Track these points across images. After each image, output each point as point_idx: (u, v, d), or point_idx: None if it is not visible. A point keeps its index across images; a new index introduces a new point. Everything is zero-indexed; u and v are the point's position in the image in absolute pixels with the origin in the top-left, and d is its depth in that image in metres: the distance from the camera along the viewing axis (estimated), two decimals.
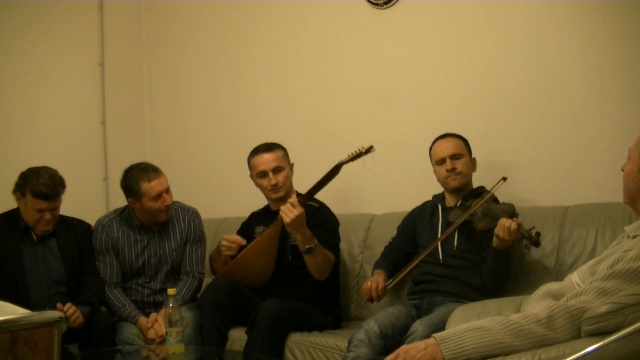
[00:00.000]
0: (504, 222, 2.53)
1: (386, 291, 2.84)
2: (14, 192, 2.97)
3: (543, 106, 3.06)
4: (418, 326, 2.40)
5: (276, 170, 3.08)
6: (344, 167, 2.82)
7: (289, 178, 3.12)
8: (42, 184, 2.87)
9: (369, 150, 2.81)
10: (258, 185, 3.16)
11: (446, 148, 2.89)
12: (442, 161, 2.89)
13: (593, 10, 2.94)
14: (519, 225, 2.52)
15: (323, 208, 3.15)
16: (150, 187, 3.04)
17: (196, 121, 4.14)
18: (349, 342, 2.51)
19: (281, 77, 3.81)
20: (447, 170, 2.86)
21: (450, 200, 2.93)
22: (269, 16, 3.84)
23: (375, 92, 3.50)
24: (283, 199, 3.09)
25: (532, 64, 3.08)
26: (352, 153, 2.83)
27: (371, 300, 2.83)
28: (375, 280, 2.85)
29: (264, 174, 3.09)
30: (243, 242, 3.06)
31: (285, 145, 3.20)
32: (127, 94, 4.22)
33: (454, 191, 2.89)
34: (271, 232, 3.01)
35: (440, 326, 2.27)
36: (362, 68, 3.54)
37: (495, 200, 2.83)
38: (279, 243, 3.04)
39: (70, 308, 2.78)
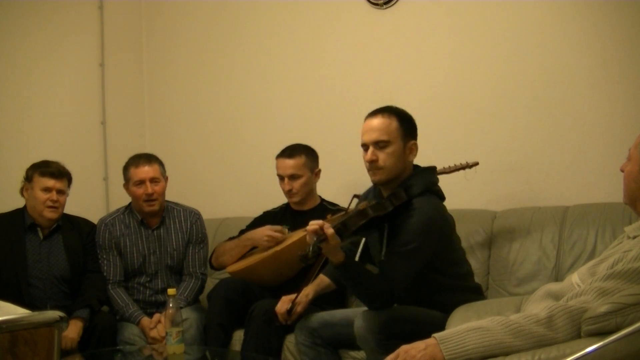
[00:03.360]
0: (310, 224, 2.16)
1: (294, 311, 2.57)
2: (21, 187, 3.05)
3: (543, 106, 3.06)
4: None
5: (292, 177, 3.08)
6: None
7: (307, 185, 3.10)
8: (49, 165, 3.06)
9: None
10: (280, 184, 3.17)
11: (370, 130, 2.39)
12: (365, 147, 2.41)
13: (594, 11, 2.95)
14: (317, 231, 2.12)
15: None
16: (135, 172, 3.15)
17: (196, 121, 4.14)
18: None
19: (281, 77, 3.81)
20: (368, 161, 2.40)
21: (384, 192, 2.48)
22: (268, 16, 3.84)
23: (375, 92, 3.48)
24: (298, 204, 3.14)
25: (532, 64, 3.08)
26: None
27: (281, 324, 2.62)
28: (284, 301, 2.61)
29: (281, 178, 3.12)
30: (287, 233, 3.02)
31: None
32: (127, 94, 4.22)
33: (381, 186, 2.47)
34: None
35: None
36: (362, 68, 3.54)
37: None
38: None
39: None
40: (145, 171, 3.14)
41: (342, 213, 2.46)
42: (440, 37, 3.31)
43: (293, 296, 2.61)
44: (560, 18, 3.03)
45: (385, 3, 3.43)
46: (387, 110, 2.43)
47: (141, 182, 3.13)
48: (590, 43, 2.95)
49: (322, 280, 2.69)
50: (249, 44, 3.91)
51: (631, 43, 2.86)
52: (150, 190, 3.13)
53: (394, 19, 3.43)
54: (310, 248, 2.10)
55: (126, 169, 3.20)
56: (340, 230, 2.17)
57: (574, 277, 1.88)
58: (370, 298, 2.29)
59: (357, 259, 2.56)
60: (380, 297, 2.27)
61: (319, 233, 2.13)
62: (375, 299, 2.28)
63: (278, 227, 3.04)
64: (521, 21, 3.11)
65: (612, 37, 2.91)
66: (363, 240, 2.56)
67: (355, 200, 2.55)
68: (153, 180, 3.15)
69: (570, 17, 3.01)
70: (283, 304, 2.63)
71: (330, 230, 2.13)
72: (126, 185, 3.22)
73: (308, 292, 2.64)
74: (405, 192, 2.33)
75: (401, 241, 2.31)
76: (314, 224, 2.15)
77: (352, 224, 2.21)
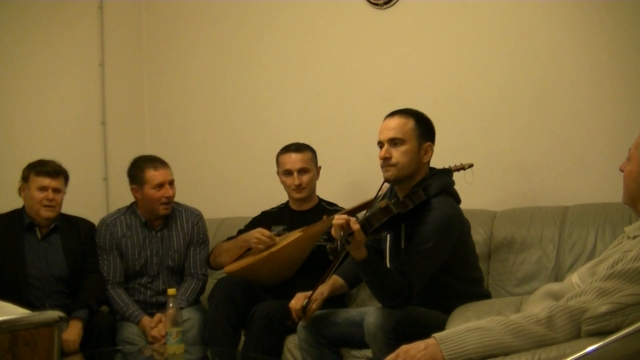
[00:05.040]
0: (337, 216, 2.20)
1: (309, 308, 2.53)
2: (19, 187, 3.05)
3: (542, 106, 3.07)
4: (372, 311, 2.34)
5: (302, 171, 3.10)
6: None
7: (313, 180, 3.14)
8: (44, 164, 3.05)
9: None
10: (283, 182, 3.17)
11: (387, 129, 2.45)
12: (380, 145, 2.47)
13: (592, 10, 2.95)
14: (343, 225, 2.14)
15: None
16: (155, 175, 3.11)
17: (196, 121, 4.14)
18: None
19: (281, 77, 3.81)
20: (381, 158, 2.44)
21: (399, 193, 2.53)
22: (269, 16, 3.84)
23: (376, 92, 3.49)
24: (305, 200, 3.15)
25: (531, 64, 3.08)
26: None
27: (294, 322, 2.59)
28: (298, 297, 2.58)
29: (289, 173, 3.12)
30: (276, 240, 3.01)
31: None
32: (127, 94, 4.22)
33: (394, 184, 2.51)
34: (313, 231, 2.93)
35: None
36: (362, 68, 3.54)
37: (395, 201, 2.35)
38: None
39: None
40: (165, 174, 3.13)
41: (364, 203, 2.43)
42: (440, 37, 3.31)
43: (308, 293, 2.57)
44: (558, 18, 3.03)
45: (385, 3, 3.43)
46: (405, 111, 2.50)
47: (161, 185, 3.11)
48: (590, 43, 2.96)
49: (337, 280, 2.68)
50: (248, 44, 3.91)
51: (631, 43, 2.86)
52: (171, 193, 3.13)
53: (394, 19, 3.43)
54: (339, 242, 2.11)
55: (141, 171, 3.13)
56: (364, 226, 2.20)
57: (574, 277, 1.88)
58: (388, 296, 2.29)
59: (387, 253, 2.56)
60: (397, 295, 2.27)
61: (345, 228, 2.14)
62: (393, 296, 2.28)
63: (267, 232, 3.02)
64: (520, 21, 3.11)
65: (612, 38, 2.91)
66: (388, 236, 2.55)
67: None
68: (171, 182, 3.16)
69: (569, 17, 3.01)
70: (298, 300, 2.58)
71: (357, 226, 2.16)
72: (138, 187, 3.14)
73: (323, 290, 2.60)
74: (424, 192, 2.37)
75: (419, 240, 2.34)
76: (340, 219, 2.17)
77: (375, 220, 2.23)
